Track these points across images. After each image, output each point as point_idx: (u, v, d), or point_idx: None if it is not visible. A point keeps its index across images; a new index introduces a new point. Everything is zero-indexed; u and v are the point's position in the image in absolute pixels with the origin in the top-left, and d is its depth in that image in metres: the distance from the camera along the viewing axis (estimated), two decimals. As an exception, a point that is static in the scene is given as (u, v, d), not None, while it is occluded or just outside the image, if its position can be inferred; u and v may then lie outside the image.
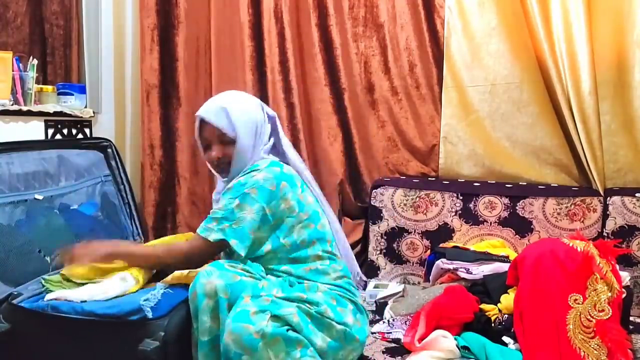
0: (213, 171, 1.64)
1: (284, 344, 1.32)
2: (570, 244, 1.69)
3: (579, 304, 1.59)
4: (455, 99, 2.29)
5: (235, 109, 1.55)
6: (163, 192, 2.64)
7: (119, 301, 1.46)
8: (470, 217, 2.18)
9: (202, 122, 1.58)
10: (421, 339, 1.64)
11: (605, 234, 2.01)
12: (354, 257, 1.93)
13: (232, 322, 1.31)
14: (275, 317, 1.33)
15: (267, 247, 1.52)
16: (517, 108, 2.21)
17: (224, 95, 1.63)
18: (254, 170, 1.51)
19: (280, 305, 1.37)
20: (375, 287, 2.13)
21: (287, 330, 1.34)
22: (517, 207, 2.13)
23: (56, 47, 2.36)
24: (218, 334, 1.38)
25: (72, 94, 2.26)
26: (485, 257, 1.95)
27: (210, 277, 1.39)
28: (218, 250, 1.54)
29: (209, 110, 1.57)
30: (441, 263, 1.97)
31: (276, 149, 1.64)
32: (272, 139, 1.63)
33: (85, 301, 1.45)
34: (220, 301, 1.37)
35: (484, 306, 1.74)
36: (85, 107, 2.33)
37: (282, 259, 1.54)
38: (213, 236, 1.47)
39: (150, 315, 1.41)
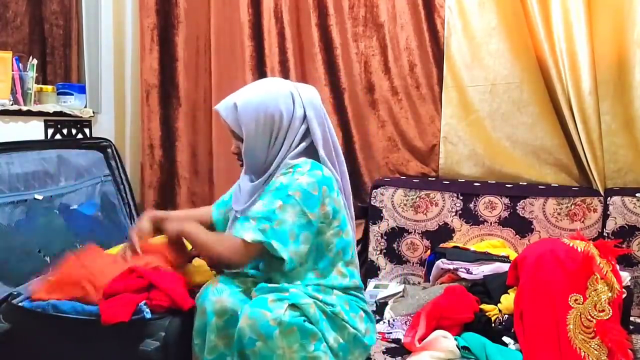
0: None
1: (299, 335, 1.30)
2: (571, 244, 1.69)
3: (579, 304, 1.59)
4: (455, 99, 2.29)
5: (246, 106, 1.43)
6: (163, 192, 2.64)
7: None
8: (470, 217, 2.18)
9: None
10: (421, 339, 1.64)
11: (606, 234, 2.01)
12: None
13: (249, 307, 1.30)
14: (293, 306, 1.32)
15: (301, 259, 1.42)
16: (517, 108, 2.21)
17: (248, 86, 1.52)
18: (297, 171, 1.41)
19: (299, 296, 1.36)
20: (376, 287, 2.13)
21: (304, 321, 1.33)
22: (517, 207, 2.12)
23: (56, 47, 2.36)
24: (224, 352, 1.38)
25: (72, 94, 2.26)
26: (486, 257, 1.95)
27: (221, 296, 1.37)
28: (257, 253, 1.39)
29: (224, 106, 1.47)
30: (441, 263, 1.97)
31: (312, 150, 1.48)
32: (308, 139, 1.47)
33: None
34: (229, 321, 1.37)
35: (484, 306, 1.74)
36: (85, 107, 2.33)
37: (307, 270, 1.45)
38: (250, 236, 1.35)
39: (148, 315, 1.41)
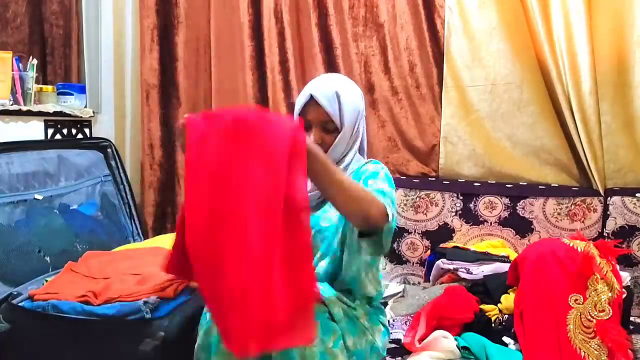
0: None
1: (321, 330, 1.27)
2: (571, 244, 1.69)
3: (579, 304, 1.59)
4: (455, 98, 2.29)
5: (347, 99, 1.40)
6: (163, 192, 2.64)
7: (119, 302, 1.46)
8: (470, 217, 2.18)
9: (311, 101, 1.39)
10: (421, 340, 1.64)
11: (606, 234, 2.01)
12: None
13: None
14: (319, 302, 1.30)
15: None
16: (518, 108, 2.21)
17: (335, 78, 1.46)
18: (383, 169, 1.38)
19: (325, 291, 1.35)
20: (376, 287, 2.13)
21: (327, 318, 1.32)
22: (517, 207, 2.12)
23: (56, 47, 2.36)
24: None
25: (72, 94, 2.26)
26: (486, 257, 1.95)
27: None
28: (381, 225, 1.25)
29: (324, 93, 1.38)
30: (441, 263, 1.97)
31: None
32: (361, 138, 1.48)
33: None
34: None
35: (484, 306, 1.74)
36: (85, 107, 2.33)
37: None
38: (390, 210, 1.23)
39: (148, 316, 1.41)
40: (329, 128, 1.40)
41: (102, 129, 2.46)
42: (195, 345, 1.39)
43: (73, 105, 2.25)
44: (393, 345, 1.70)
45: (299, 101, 1.42)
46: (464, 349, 1.59)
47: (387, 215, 1.21)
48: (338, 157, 1.43)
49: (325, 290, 1.36)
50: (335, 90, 1.38)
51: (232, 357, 1.33)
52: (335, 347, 1.31)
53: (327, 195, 1.21)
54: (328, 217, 1.42)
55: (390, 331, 1.77)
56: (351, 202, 1.17)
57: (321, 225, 1.42)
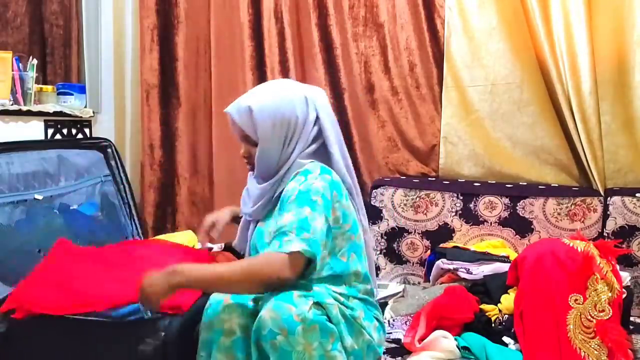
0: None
1: (319, 334, 1.28)
2: (571, 244, 1.69)
3: (579, 304, 1.59)
4: (455, 99, 2.29)
5: (261, 111, 1.40)
6: (163, 192, 2.64)
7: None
8: (470, 217, 2.18)
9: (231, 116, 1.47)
10: (421, 340, 1.64)
11: (606, 234, 2.01)
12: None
13: (274, 300, 1.27)
14: (317, 305, 1.30)
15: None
16: (517, 108, 2.21)
17: (261, 89, 1.49)
18: (308, 176, 1.37)
19: (323, 295, 1.35)
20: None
21: (326, 320, 1.31)
22: (517, 207, 2.12)
23: (56, 47, 2.36)
24: None
25: (72, 94, 2.26)
26: (486, 257, 1.95)
27: (232, 315, 1.35)
28: (304, 264, 1.31)
29: (237, 109, 1.44)
30: (441, 263, 1.97)
31: (322, 151, 1.47)
32: (318, 141, 1.47)
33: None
34: (237, 340, 1.35)
35: (484, 306, 1.74)
36: (85, 107, 2.33)
37: (321, 278, 1.40)
38: (298, 246, 1.27)
39: (146, 316, 1.41)
40: (250, 141, 1.45)
41: (102, 129, 2.46)
42: (199, 343, 1.40)
43: (73, 105, 2.25)
44: (393, 345, 1.71)
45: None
46: (464, 349, 1.59)
47: (291, 254, 1.26)
48: (265, 169, 1.45)
49: (322, 293, 1.36)
50: (248, 105, 1.41)
51: (232, 352, 1.34)
52: (334, 350, 1.31)
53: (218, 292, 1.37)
54: (270, 231, 1.43)
55: (390, 331, 1.77)
56: (241, 286, 1.30)
57: (265, 240, 1.45)
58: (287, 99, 1.44)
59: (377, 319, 1.50)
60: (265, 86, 1.51)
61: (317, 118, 1.46)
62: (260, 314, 1.28)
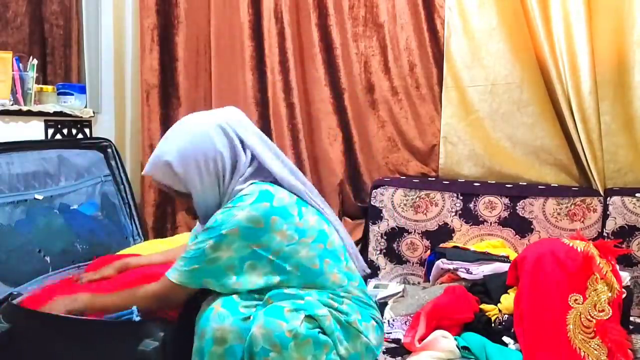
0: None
1: (313, 347, 1.28)
2: (571, 244, 1.69)
3: (579, 304, 1.59)
4: (455, 99, 2.29)
5: (181, 161, 1.36)
6: (163, 192, 2.63)
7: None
8: (470, 217, 2.18)
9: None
10: (421, 339, 1.64)
11: (606, 234, 2.01)
12: (358, 252, 1.70)
13: (264, 316, 1.27)
14: (309, 318, 1.30)
15: (275, 279, 1.37)
16: (517, 108, 2.21)
17: (172, 136, 1.42)
18: (237, 205, 1.34)
19: (315, 306, 1.33)
20: (375, 287, 2.13)
21: (319, 332, 1.31)
22: (517, 207, 2.13)
23: (56, 47, 2.36)
24: None
25: (72, 94, 2.25)
26: (486, 257, 1.95)
27: (223, 324, 1.31)
28: (187, 294, 1.39)
29: (154, 166, 1.41)
30: (441, 263, 1.97)
31: (261, 168, 1.43)
32: (253, 163, 1.42)
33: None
34: (229, 349, 1.31)
35: (484, 306, 1.75)
36: (85, 107, 2.33)
37: (299, 287, 1.40)
38: (174, 276, 1.35)
39: (137, 319, 1.40)
40: (183, 195, 1.43)
41: (102, 129, 2.46)
42: (193, 348, 1.39)
43: (73, 105, 2.25)
44: (393, 345, 1.71)
45: None
46: (464, 348, 1.59)
47: (160, 292, 1.38)
48: (209, 210, 1.41)
49: (314, 303, 1.34)
50: (165, 160, 1.36)
51: None
52: (328, 359, 1.31)
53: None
54: None
55: (390, 331, 1.77)
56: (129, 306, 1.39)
57: None
58: (201, 137, 1.37)
59: (375, 318, 1.49)
60: (175, 131, 1.43)
61: (242, 142, 1.41)
62: (251, 331, 1.27)
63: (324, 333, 1.32)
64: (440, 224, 2.22)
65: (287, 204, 1.39)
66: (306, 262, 1.39)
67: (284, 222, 1.36)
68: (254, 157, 1.42)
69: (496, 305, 1.74)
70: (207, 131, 1.38)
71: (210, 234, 1.34)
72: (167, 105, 2.61)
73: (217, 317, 1.32)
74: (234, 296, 1.37)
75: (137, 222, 2.34)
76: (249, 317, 1.33)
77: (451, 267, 1.94)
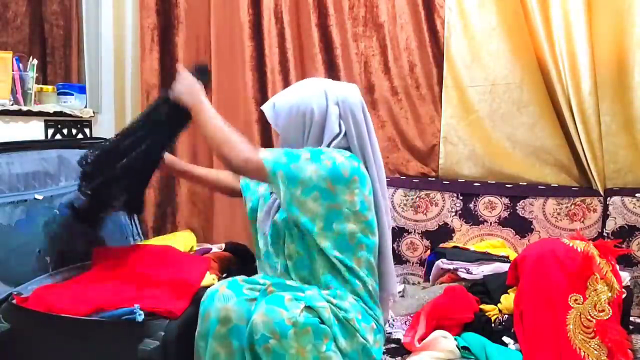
0: None
1: (312, 336, 1.30)
2: (571, 244, 1.69)
3: (579, 304, 1.59)
4: (455, 99, 2.29)
5: (281, 104, 1.55)
6: (163, 192, 2.64)
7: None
8: (470, 217, 2.18)
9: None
10: (421, 339, 1.64)
11: (606, 234, 2.01)
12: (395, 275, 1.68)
13: (265, 304, 1.29)
14: (308, 308, 1.32)
15: (318, 224, 1.43)
16: (517, 108, 2.21)
17: (290, 88, 1.65)
18: (334, 151, 1.46)
19: (315, 298, 1.36)
20: (375, 287, 2.12)
21: (319, 322, 1.32)
22: (517, 207, 2.13)
23: (56, 47, 2.36)
24: None
25: (72, 94, 2.25)
26: (485, 257, 1.95)
27: (227, 303, 1.35)
28: (260, 177, 1.47)
29: (267, 103, 1.59)
30: (441, 263, 1.97)
31: (356, 149, 1.53)
32: (341, 134, 1.52)
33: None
34: (233, 329, 1.35)
35: (484, 306, 1.74)
36: (85, 107, 2.33)
37: (331, 246, 1.45)
38: (267, 155, 1.43)
39: (140, 319, 1.40)
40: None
41: (102, 129, 2.46)
42: (195, 334, 1.41)
43: (73, 105, 2.25)
44: (393, 345, 1.71)
45: None
46: (463, 348, 1.59)
47: (248, 160, 1.43)
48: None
49: (314, 296, 1.37)
50: (274, 102, 1.57)
51: (228, 340, 1.35)
52: (328, 350, 1.32)
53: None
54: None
55: (390, 331, 1.77)
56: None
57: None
58: (305, 93, 1.54)
59: (375, 321, 1.49)
60: (295, 84, 1.66)
61: (340, 116, 1.53)
62: (252, 318, 1.29)
63: (324, 324, 1.33)
64: (440, 224, 2.22)
65: (367, 177, 1.50)
66: (347, 235, 1.45)
67: (358, 186, 1.45)
68: (342, 131, 1.53)
69: (496, 305, 1.74)
70: (309, 89, 1.56)
71: (311, 150, 1.46)
72: (167, 106, 2.60)
73: (222, 298, 1.37)
74: (238, 279, 1.44)
75: (137, 222, 2.34)
76: (253, 299, 1.36)
77: (451, 267, 1.94)
